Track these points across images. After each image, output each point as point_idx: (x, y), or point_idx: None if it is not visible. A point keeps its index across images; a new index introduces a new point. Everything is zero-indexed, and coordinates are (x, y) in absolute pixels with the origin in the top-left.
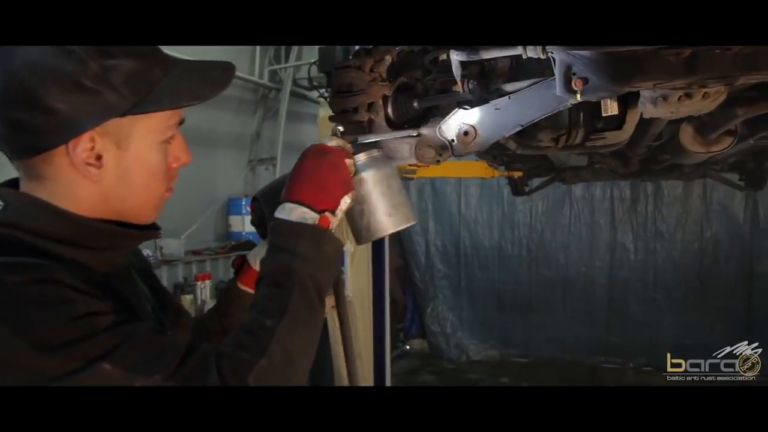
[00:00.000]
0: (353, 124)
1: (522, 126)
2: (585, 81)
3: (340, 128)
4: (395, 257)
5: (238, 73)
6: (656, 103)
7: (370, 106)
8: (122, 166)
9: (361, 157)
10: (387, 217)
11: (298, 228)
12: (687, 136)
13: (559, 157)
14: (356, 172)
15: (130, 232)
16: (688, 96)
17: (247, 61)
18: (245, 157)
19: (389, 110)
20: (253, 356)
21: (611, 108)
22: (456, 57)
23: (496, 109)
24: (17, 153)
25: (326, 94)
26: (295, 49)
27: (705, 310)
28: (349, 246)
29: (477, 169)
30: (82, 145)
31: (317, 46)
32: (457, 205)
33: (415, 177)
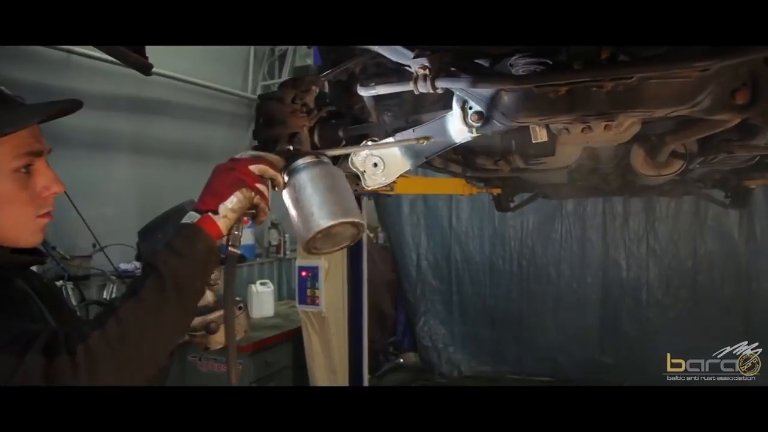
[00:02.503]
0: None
1: (426, 158)
2: (481, 115)
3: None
4: (387, 271)
5: (230, 89)
6: (560, 134)
7: (293, 137)
8: None
9: (299, 163)
10: (316, 213)
11: (179, 226)
12: (638, 159)
13: (535, 176)
14: (289, 179)
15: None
16: (590, 128)
17: (240, 76)
18: None
19: (315, 139)
20: (90, 329)
21: (540, 135)
22: (361, 92)
23: (400, 141)
24: None
25: None
26: (287, 64)
27: (700, 330)
28: (323, 262)
29: (455, 186)
30: None
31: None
32: (448, 219)
33: (392, 194)
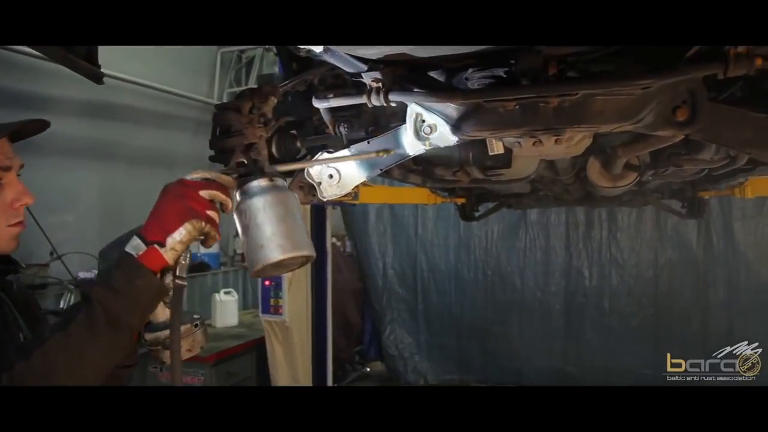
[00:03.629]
0: (233, 163)
1: (382, 170)
2: (433, 129)
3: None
4: (353, 279)
5: (196, 95)
6: (513, 147)
7: (249, 147)
8: None
9: (246, 188)
10: (266, 245)
11: (119, 258)
12: (594, 170)
13: (497, 186)
14: (240, 201)
15: None
16: (540, 142)
17: (206, 83)
18: None
19: (273, 149)
20: (18, 359)
21: (497, 147)
22: (315, 104)
23: (354, 153)
24: None
25: None
26: (254, 71)
27: (660, 338)
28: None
29: (419, 195)
30: None
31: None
32: (414, 228)
33: (357, 203)
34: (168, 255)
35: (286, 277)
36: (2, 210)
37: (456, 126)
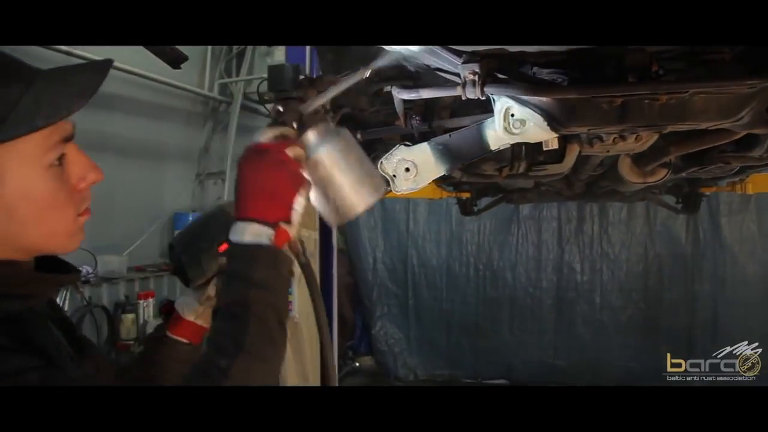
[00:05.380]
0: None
1: (463, 164)
2: (523, 123)
3: (280, 108)
4: (345, 274)
5: (187, 86)
6: (593, 143)
7: None
8: (5, 204)
9: (311, 136)
10: (354, 196)
11: (253, 251)
12: (625, 167)
13: (506, 180)
14: (309, 155)
15: (42, 276)
16: (622, 138)
17: (197, 73)
18: (193, 170)
19: None
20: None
21: (552, 143)
22: (397, 95)
23: (437, 147)
24: None
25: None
26: (246, 62)
27: (650, 332)
28: (295, 267)
29: (425, 189)
30: None
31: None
32: (405, 222)
33: None
34: (293, 231)
35: (296, 273)
36: (69, 195)
37: (557, 121)
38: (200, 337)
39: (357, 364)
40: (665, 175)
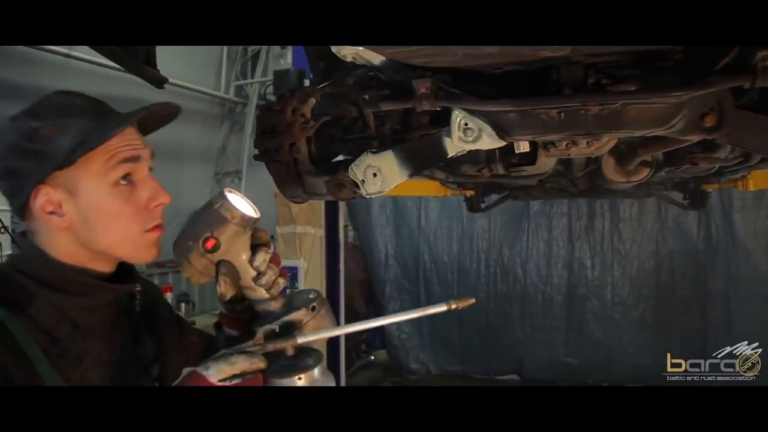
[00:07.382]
0: (276, 162)
1: (424, 170)
2: (476, 132)
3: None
4: (359, 270)
5: (204, 89)
6: (548, 148)
7: (292, 146)
8: (81, 212)
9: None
10: None
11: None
12: (609, 166)
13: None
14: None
15: (98, 283)
16: (574, 143)
17: (213, 76)
18: (211, 170)
19: (312, 148)
20: None
21: (523, 146)
22: (362, 105)
23: (400, 153)
24: (15, 212)
25: None
26: (260, 64)
27: (662, 329)
28: (302, 262)
29: (430, 188)
30: (40, 198)
31: (280, 66)
32: (417, 219)
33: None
34: None
35: (302, 267)
36: (137, 213)
37: (503, 130)
38: (246, 326)
39: (372, 358)
40: (648, 174)
